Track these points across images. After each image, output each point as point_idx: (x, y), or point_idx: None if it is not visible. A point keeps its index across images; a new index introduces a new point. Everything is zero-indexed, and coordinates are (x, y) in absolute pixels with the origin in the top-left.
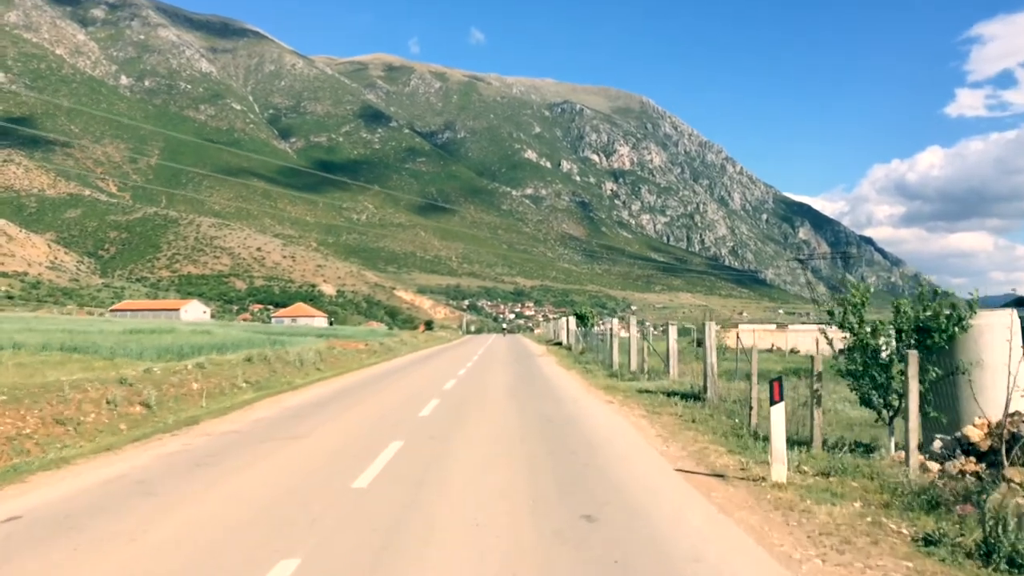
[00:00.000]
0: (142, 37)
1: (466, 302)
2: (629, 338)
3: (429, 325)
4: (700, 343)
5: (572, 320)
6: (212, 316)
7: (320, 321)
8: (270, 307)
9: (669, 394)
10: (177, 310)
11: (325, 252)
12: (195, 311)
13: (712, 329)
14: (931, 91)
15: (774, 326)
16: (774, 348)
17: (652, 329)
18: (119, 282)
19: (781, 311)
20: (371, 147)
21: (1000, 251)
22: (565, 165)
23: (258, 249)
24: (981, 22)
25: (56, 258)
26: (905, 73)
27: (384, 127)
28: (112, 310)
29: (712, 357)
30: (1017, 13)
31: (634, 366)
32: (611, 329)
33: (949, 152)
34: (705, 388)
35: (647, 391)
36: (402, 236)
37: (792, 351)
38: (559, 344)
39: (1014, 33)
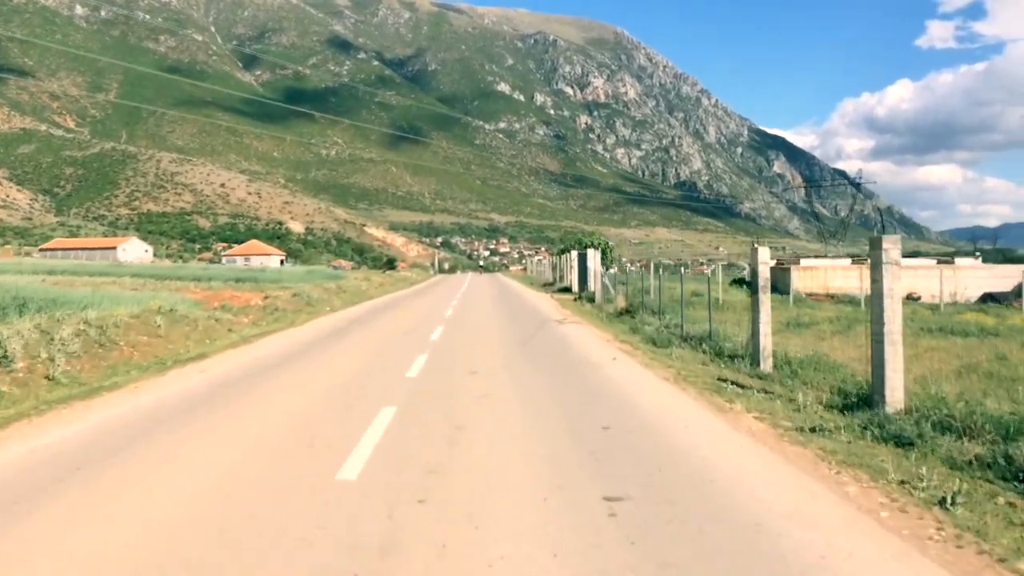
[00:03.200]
0: None
1: (439, 239)
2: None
3: (390, 264)
4: (745, 283)
5: (596, 256)
6: (160, 255)
7: (276, 260)
8: (235, 245)
9: None
10: (114, 248)
11: (293, 188)
12: (135, 249)
13: None
14: (901, 23)
15: (848, 261)
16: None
17: (630, 266)
18: (75, 220)
19: (757, 245)
20: (339, 79)
21: (968, 183)
22: (539, 98)
23: (222, 185)
24: None
25: (7, 195)
26: (876, 4)
27: (352, 58)
28: (42, 249)
29: None
30: None
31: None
32: (759, 271)
33: (918, 85)
34: None
35: None
36: (373, 171)
37: (910, 296)
38: (567, 291)
39: None
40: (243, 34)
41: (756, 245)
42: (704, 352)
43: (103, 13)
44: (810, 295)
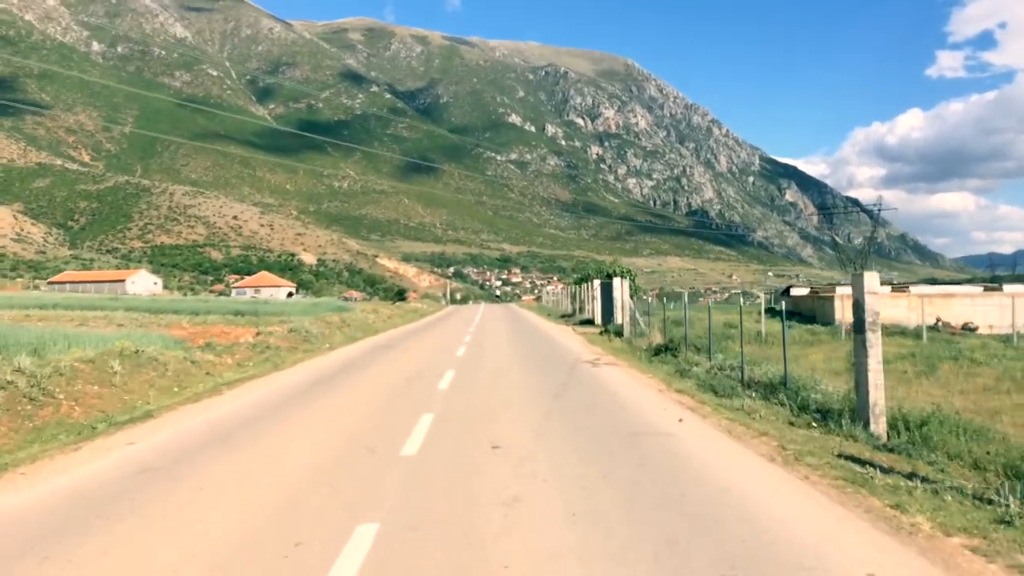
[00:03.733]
0: (113, 1)
1: (451, 269)
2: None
3: (400, 295)
4: (776, 312)
5: (624, 286)
6: (172, 287)
7: (284, 291)
8: (246, 277)
9: None
10: (123, 281)
11: (305, 220)
12: (144, 282)
13: None
14: (912, 53)
15: (888, 289)
16: (940, 323)
17: (644, 295)
18: (88, 254)
19: (771, 274)
20: (352, 112)
21: (981, 211)
22: (550, 129)
23: (234, 218)
24: None
25: (23, 229)
26: (887, 36)
27: (365, 91)
28: (50, 282)
29: None
30: None
31: None
32: (865, 304)
33: (929, 114)
34: None
35: None
36: (385, 203)
37: (966, 327)
38: (589, 323)
39: None
40: (257, 68)
41: (859, 271)
42: (781, 405)
43: (119, 49)
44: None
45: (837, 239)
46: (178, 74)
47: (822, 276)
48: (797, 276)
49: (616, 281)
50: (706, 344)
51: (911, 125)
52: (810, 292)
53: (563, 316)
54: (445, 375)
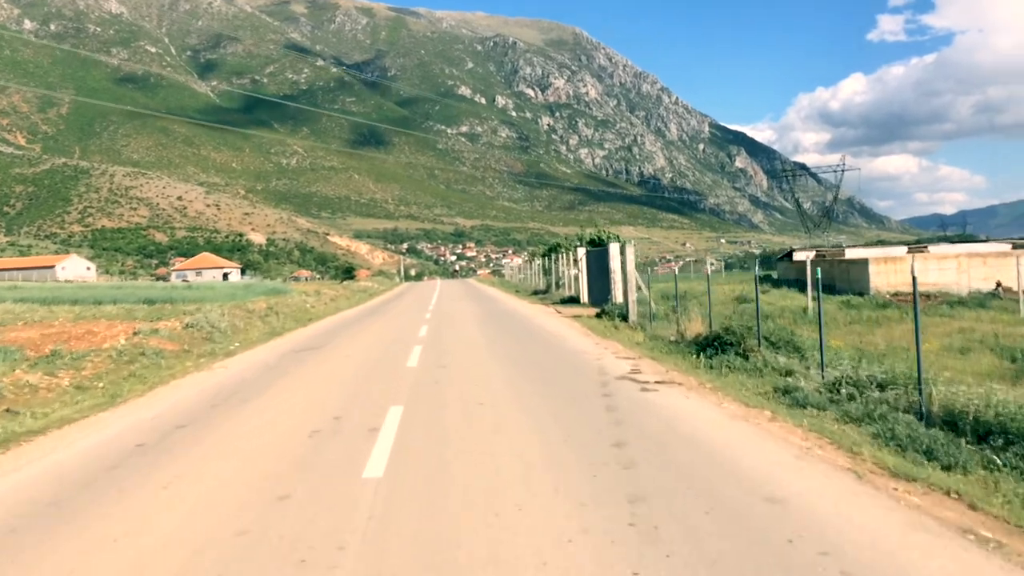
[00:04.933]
0: None
1: (405, 245)
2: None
3: (348, 273)
4: (781, 282)
5: (628, 255)
6: (113, 272)
7: (222, 273)
8: (188, 260)
9: None
10: (52, 267)
11: (253, 199)
12: (76, 267)
13: None
14: (852, 18)
15: (904, 249)
16: (1001, 289)
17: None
18: (26, 240)
19: (723, 240)
20: (298, 87)
21: (924, 172)
22: (500, 100)
23: (179, 198)
24: None
25: None
26: (828, 1)
27: (310, 65)
28: None
29: None
30: None
31: None
32: None
33: (871, 78)
34: None
35: None
36: (335, 179)
37: (997, 291)
38: (573, 302)
39: None
40: (197, 44)
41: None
42: None
43: (53, 27)
44: (895, 295)
45: (785, 203)
46: (115, 51)
47: (774, 241)
48: (749, 242)
49: (613, 248)
50: (772, 333)
51: (854, 90)
52: (816, 256)
53: (535, 293)
54: (384, 423)
